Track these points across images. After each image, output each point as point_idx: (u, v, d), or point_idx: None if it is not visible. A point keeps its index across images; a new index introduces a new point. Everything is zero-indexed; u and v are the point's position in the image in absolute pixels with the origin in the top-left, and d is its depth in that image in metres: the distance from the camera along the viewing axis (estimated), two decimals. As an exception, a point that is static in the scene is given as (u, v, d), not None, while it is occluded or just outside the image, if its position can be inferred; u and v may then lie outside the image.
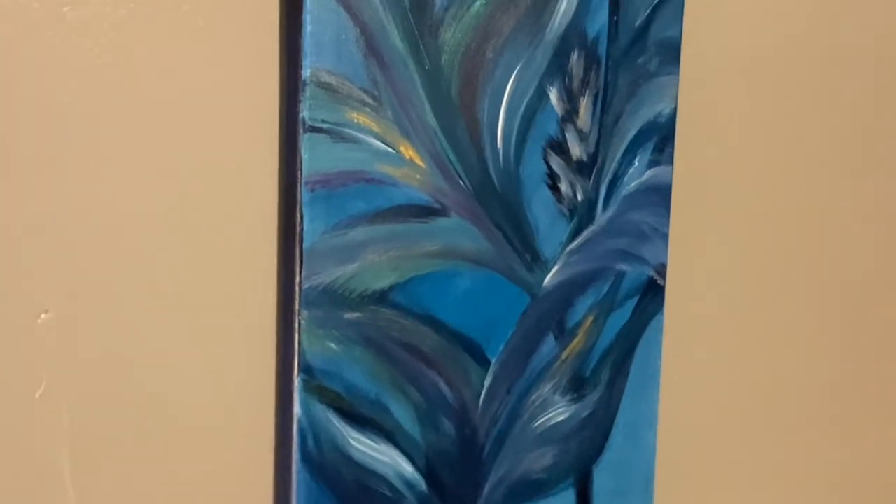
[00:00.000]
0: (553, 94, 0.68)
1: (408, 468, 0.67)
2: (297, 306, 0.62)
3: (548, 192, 0.69)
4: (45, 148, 0.57)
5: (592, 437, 0.73)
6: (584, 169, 0.70)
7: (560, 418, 0.71)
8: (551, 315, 0.70)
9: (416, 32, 0.63)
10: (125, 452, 0.61)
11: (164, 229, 0.60)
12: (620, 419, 0.73)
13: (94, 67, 0.57)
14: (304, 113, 0.61)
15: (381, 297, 0.64)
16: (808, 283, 0.83)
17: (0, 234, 0.56)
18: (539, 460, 0.71)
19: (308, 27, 0.61)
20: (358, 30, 0.62)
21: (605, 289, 0.72)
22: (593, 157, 0.70)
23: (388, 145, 0.63)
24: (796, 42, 0.80)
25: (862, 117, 0.84)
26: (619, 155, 0.71)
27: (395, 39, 0.63)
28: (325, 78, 0.61)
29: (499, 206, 0.67)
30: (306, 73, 0.61)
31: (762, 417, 0.83)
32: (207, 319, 0.62)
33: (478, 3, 0.65)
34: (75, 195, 0.58)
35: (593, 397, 0.72)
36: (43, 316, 0.58)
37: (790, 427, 0.84)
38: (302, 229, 0.62)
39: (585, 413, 0.72)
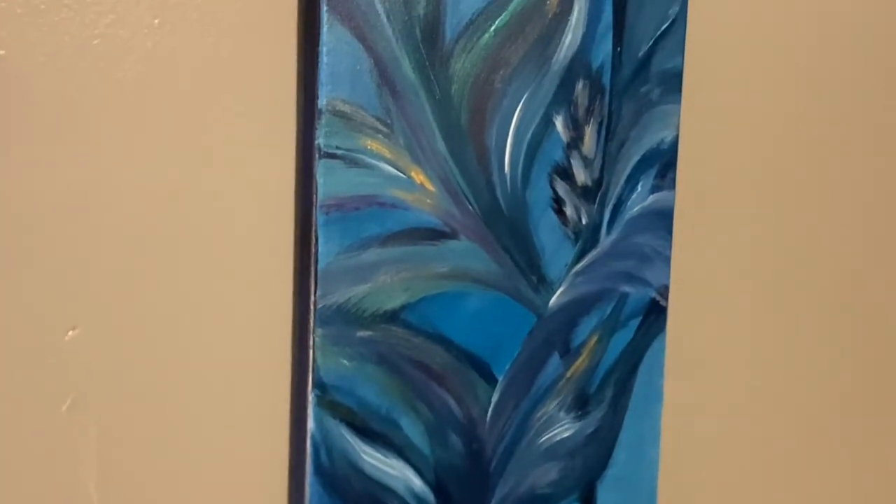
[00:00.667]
0: (559, 122, 0.71)
1: (417, 482, 0.70)
2: (311, 324, 0.65)
3: (553, 216, 0.72)
4: (75, 173, 0.60)
5: (597, 454, 0.76)
6: (588, 194, 0.73)
7: (565, 434, 0.74)
8: (557, 334, 0.73)
9: (427, 63, 0.67)
10: (147, 464, 0.64)
11: (185, 251, 0.63)
12: (624, 436, 0.76)
13: (120, 95, 0.61)
14: (320, 140, 0.65)
15: (393, 317, 0.68)
16: (808, 304, 0.86)
17: (31, 255, 0.60)
18: (545, 475, 0.74)
19: (324, 59, 0.64)
20: (371, 61, 0.65)
21: (609, 309, 0.75)
22: (598, 183, 0.73)
23: (400, 171, 0.67)
24: (794, 72, 0.83)
25: (861, 142, 0.87)
26: (622, 180, 0.74)
27: (407, 70, 0.66)
28: (340, 107, 0.65)
29: (506, 229, 0.70)
30: (322, 102, 0.64)
31: (763, 435, 0.85)
32: (226, 337, 0.65)
33: (486, 35, 0.68)
34: (102, 220, 0.61)
35: (597, 414, 0.75)
36: (71, 333, 0.61)
37: (791, 444, 0.87)
38: (317, 251, 0.65)
39: (590, 430, 0.75)
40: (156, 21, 0.61)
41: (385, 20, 0.65)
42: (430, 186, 0.68)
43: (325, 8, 0.63)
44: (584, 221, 0.73)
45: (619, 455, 0.76)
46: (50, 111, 0.60)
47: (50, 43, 0.59)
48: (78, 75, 0.60)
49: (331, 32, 0.64)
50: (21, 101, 0.59)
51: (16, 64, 0.59)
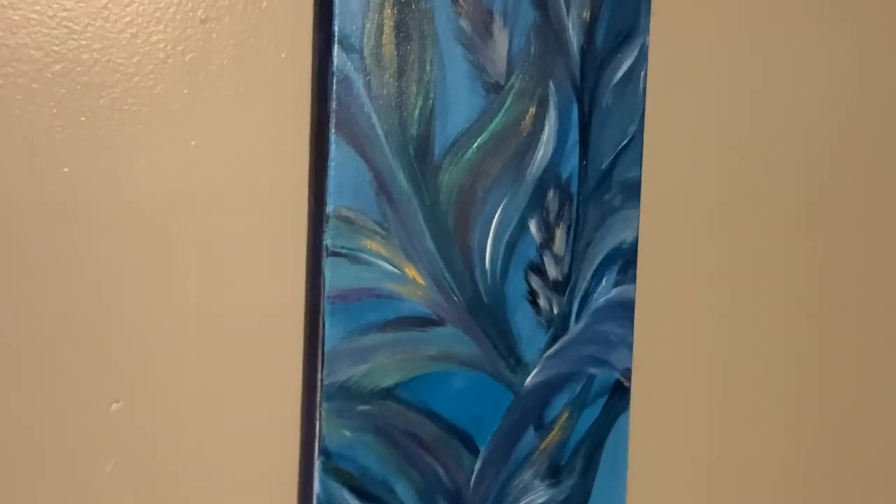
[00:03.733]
0: (533, 225, 0.85)
1: (409, 540, 0.82)
2: (318, 399, 0.79)
3: (528, 307, 0.86)
4: (117, 263, 0.74)
5: (568, 518, 0.88)
6: (559, 287, 0.87)
7: (540, 501, 0.87)
8: (532, 411, 0.86)
9: (419, 175, 0.81)
10: (174, 521, 0.77)
11: (214, 336, 0.77)
12: (592, 503, 0.89)
13: (151, 195, 0.75)
14: (328, 241, 0.79)
15: (388, 393, 0.81)
16: (759, 382, 1.00)
17: (81, 338, 0.73)
18: (522, 537, 0.86)
19: (332, 172, 0.79)
20: (371, 174, 0.79)
21: (578, 389, 0.88)
22: (567, 278, 0.87)
23: (395, 267, 0.80)
24: (740, 181, 0.98)
25: (809, 238, 1.01)
26: (589, 275, 0.88)
27: (402, 181, 0.81)
28: (345, 212, 0.79)
29: (487, 317, 0.84)
30: (330, 208, 0.79)
31: (723, 500, 0.98)
32: (244, 410, 0.78)
33: (470, 151, 0.83)
34: (139, 306, 0.75)
35: (568, 483, 0.88)
36: (114, 406, 0.74)
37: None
38: (324, 335, 0.79)
39: (561, 497, 0.88)
40: (193, 143, 0.76)
41: (383, 140, 0.80)
42: (420, 280, 0.81)
43: (332, 130, 0.78)
44: (555, 311, 0.87)
45: (589, 520, 0.89)
46: (82, 198, 0.74)
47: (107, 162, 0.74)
48: (104, 172, 0.74)
49: (338, 150, 0.78)
50: (80, 207, 0.73)
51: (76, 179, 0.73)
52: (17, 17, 0.72)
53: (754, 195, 0.99)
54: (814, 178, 1.02)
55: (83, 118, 0.74)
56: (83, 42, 0.74)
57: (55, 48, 0.73)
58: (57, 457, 0.74)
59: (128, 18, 0.74)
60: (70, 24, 0.73)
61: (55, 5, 0.73)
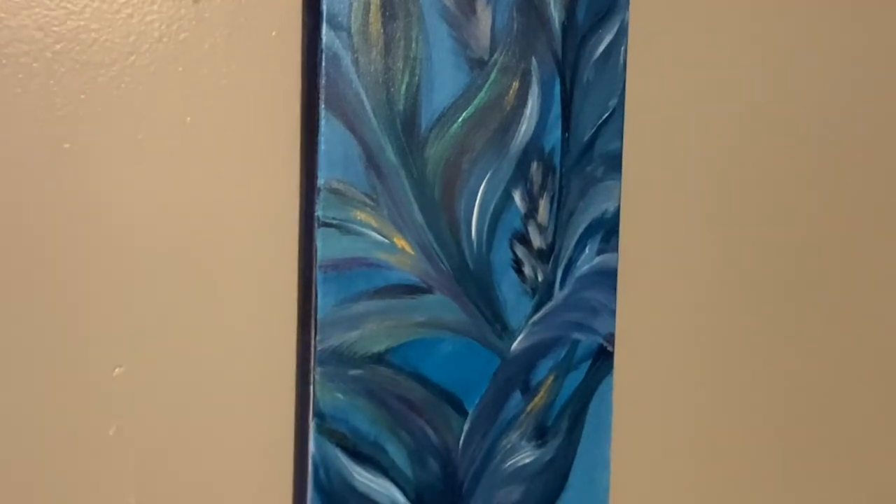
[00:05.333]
0: (517, 196, 0.90)
1: (401, 499, 0.87)
2: (312, 364, 0.84)
3: (514, 275, 0.91)
4: (117, 234, 0.79)
5: (554, 478, 0.93)
6: (543, 256, 0.92)
7: (526, 461, 0.92)
8: (518, 375, 0.91)
9: (407, 149, 0.86)
10: (175, 480, 0.82)
11: (210, 305, 0.82)
12: (578, 463, 0.94)
13: (148, 169, 0.80)
14: (319, 212, 0.83)
15: (379, 358, 0.86)
16: (739, 349, 1.05)
17: (84, 307, 0.78)
18: (508, 496, 0.92)
19: (322, 146, 0.83)
20: (360, 148, 0.84)
21: (563, 354, 0.93)
22: (551, 247, 0.92)
23: (385, 237, 0.85)
24: (718, 153, 1.03)
25: (787, 213, 1.06)
26: (572, 244, 0.93)
27: (390, 155, 0.85)
28: (335, 185, 0.84)
29: (474, 285, 0.89)
30: (320, 181, 0.83)
31: (703, 460, 1.03)
32: (241, 375, 0.83)
33: (455, 126, 0.88)
34: (138, 276, 0.80)
35: (554, 444, 0.93)
36: (117, 370, 0.79)
37: (727, 470, 1.05)
38: (317, 303, 0.84)
39: (548, 457, 0.93)
40: (188, 119, 0.80)
41: (371, 115, 0.84)
42: (409, 250, 0.86)
43: (322, 106, 0.83)
44: (539, 279, 0.92)
45: (574, 480, 0.94)
46: (88, 189, 0.79)
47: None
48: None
49: (327, 125, 0.83)
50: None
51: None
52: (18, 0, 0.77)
53: (733, 166, 1.04)
54: (791, 150, 1.07)
55: (83, 96, 0.78)
56: (81, 22, 0.78)
57: (55, 28, 0.78)
58: (62, 420, 0.79)
59: None
60: (69, 5, 0.78)
61: (54, -13, 0.77)
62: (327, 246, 0.84)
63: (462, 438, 0.90)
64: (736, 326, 1.05)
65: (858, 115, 1.10)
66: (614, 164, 0.95)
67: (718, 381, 1.04)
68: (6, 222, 0.77)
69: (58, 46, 0.78)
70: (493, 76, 0.89)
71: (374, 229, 0.85)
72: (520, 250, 0.91)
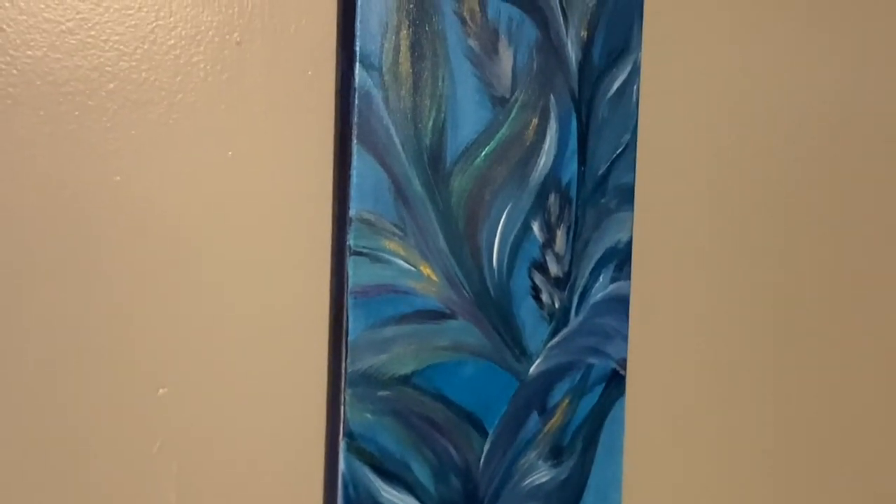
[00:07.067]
0: (536, 227, 0.97)
1: (425, 514, 0.94)
2: (343, 385, 0.90)
3: (532, 302, 0.97)
4: (164, 262, 0.86)
5: (569, 497, 1.00)
6: (560, 283, 0.99)
7: (543, 480, 0.99)
8: (536, 397, 0.98)
9: (433, 181, 0.93)
10: (215, 492, 0.88)
11: (250, 329, 0.89)
12: (591, 482, 1.01)
13: (194, 199, 0.87)
14: (350, 241, 0.90)
15: (405, 380, 0.93)
16: (745, 372, 1.12)
17: (133, 334, 0.85)
18: (527, 512, 0.98)
19: (354, 179, 0.90)
20: (390, 180, 0.91)
21: (578, 377, 1.00)
22: (567, 275, 0.99)
23: (411, 265, 0.92)
24: (726, 186, 1.10)
25: (791, 240, 1.14)
26: (587, 273, 1.00)
27: (417, 187, 0.92)
28: (366, 215, 0.90)
29: (495, 311, 0.96)
30: (352, 212, 0.90)
31: (713, 482, 1.10)
32: (276, 396, 0.90)
33: (478, 160, 0.95)
34: (183, 302, 0.86)
35: (569, 463, 1.00)
36: (161, 391, 0.86)
37: (738, 491, 1.11)
38: (348, 328, 0.90)
39: (563, 476, 1.00)
40: (230, 153, 0.87)
41: (400, 149, 0.91)
42: (434, 277, 0.93)
43: (354, 140, 0.90)
44: (556, 305, 0.98)
45: (588, 498, 1.01)
46: (140, 226, 0.85)
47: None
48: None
49: (359, 159, 0.90)
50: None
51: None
52: (74, 42, 0.84)
53: (740, 199, 1.11)
54: (794, 182, 1.14)
55: (133, 131, 0.85)
56: (133, 63, 0.85)
57: (108, 69, 0.85)
58: (111, 437, 0.85)
59: (172, 42, 0.86)
60: (121, 47, 0.85)
61: (108, 31, 0.84)
62: (358, 273, 0.91)
63: (483, 457, 0.96)
64: (745, 352, 1.12)
65: (866, 150, 1.18)
66: (627, 196, 1.02)
67: (728, 405, 1.12)
68: (62, 250, 0.84)
69: (111, 85, 0.85)
70: (513, 113, 0.96)
71: (401, 258, 0.92)
72: (538, 278, 0.98)
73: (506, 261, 0.97)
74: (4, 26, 0.83)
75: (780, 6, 1.14)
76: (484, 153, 0.96)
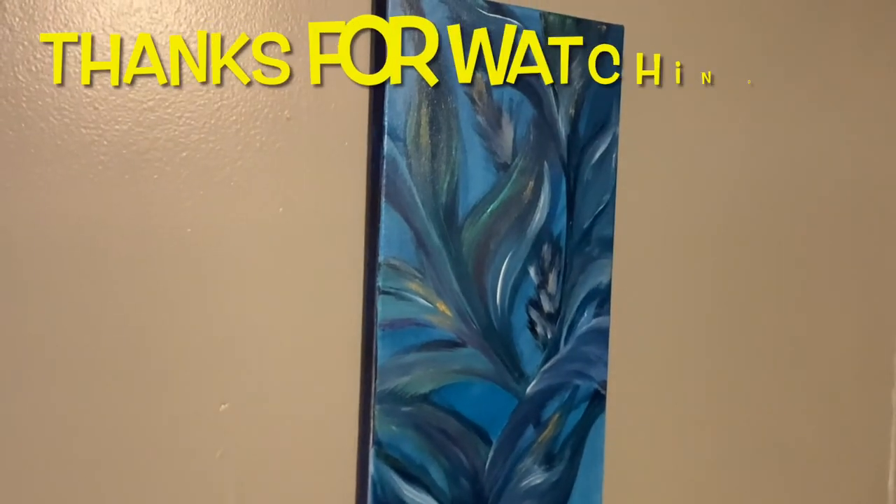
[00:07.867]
0: (532, 271, 1.16)
1: (440, 510, 1.12)
2: (372, 402, 1.09)
3: (529, 333, 1.16)
4: (224, 299, 1.04)
5: (559, 496, 1.19)
6: (552, 318, 1.18)
7: (537, 482, 1.17)
8: (532, 412, 1.17)
9: (447, 233, 1.12)
10: (266, 495, 1.05)
11: (295, 356, 1.07)
12: (577, 484, 1.20)
13: (250, 247, 1.05)
14: (379, 283, 1.09)
15: (424, 398, 1.11)
16: (712, 395, 1.31)
17: (201, 357, 1.03)
18: (524, 510, 1.17)
19: (382, 231, 1.09)
20: (412, 232, 1.10)
21: (567, 396, 1.19)
22: (558, 311, 1.18)
23: (429, 302, 1.11)
24: (693, 238, 1.30)
25: (749, 280, 1.33)
26: (574, 309, 1.19)
27: (434, 238, 1.11)
28: (392, 261, 1.09)
29: (498, 341, 1.14)
30: (381, 258, 1.09)
31: (684, 485, 1.29)
32: (317, 411, 1.08)
33: (485, 215, 1.14)
34: (242, 331, 1.04)
35: (559, 468, 1.18)
36: (223, 406, 1.04)
37: (708, 490, 1.30)
38: (377, 355, 1.09)
39: (554, 479, 1.18)
40: (280, 209, 1.06)
41: (420, 206, 1.10)
42: (448, 313, 1.12)
43: (383, 199, 1.09)
44: (549, 336, 1.17)
45: (575, 497, 1.20)
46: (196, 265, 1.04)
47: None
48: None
49: (387, 214, 1.09)
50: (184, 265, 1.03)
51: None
52: (154, 118, 1.02)
53: (703, 247, 1.32)
54: (749, 232, 1.34)
55: (201, 191, 1.03)
56: (202, 136, 1.04)
57: (181, 140, 1.03)
58: (179, 446, 1.03)
59: (233, 118, 1.05)
60: (192, 122, 1.03)
61: (182, 109, 1.03)
62: (385, 309, 1.09)
63: (488, 463, 1.15)
64: (709, 375, 1.32)
65: (817, 208, 1.38)
66: (607, 245, 1.22)
67: (697, 420, 1.31)
68: (144, 289, 1.02)
69: (184, 154, 1.03)
70: (514, 176, 1.15)
71: (421, 296, 1.10)
72: (533, 313, 1.17)
73: (507, 299, 1.16)
74: (97, 105, 1.01)
75: (730, 93, 1.35)
76: (489, 210, 1.14)
